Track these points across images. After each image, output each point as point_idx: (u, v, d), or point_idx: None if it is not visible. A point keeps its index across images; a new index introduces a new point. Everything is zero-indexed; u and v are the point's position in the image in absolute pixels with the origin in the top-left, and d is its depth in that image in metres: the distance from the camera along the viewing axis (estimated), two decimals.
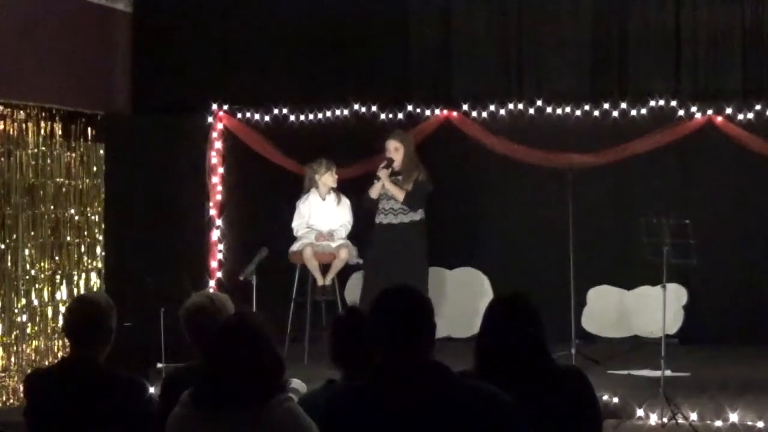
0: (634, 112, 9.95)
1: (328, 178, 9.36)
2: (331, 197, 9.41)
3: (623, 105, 9.98)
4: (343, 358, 4.16)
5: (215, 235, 10.33)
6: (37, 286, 9.89)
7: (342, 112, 10.23)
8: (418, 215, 9.16)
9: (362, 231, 9.42)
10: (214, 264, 10.31)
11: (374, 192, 9.16)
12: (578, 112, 10.03)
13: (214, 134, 10.32)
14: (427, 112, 10.11)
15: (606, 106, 10.00)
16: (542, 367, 3.89)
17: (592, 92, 10.29)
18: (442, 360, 3.50)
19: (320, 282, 9.25)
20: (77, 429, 4.40)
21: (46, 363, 9.39)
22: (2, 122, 9.46)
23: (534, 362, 3.87)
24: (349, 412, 3.48)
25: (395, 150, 9.16)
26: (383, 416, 3.41)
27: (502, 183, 10.39)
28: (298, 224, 9.42)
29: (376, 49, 10.60)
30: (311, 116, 10.27)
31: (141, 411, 4.41)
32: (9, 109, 9.52)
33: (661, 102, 9.89)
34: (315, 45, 10.61)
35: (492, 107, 10.08)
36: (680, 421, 7.48)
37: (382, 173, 9.10)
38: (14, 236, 9.58)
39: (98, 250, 10.59)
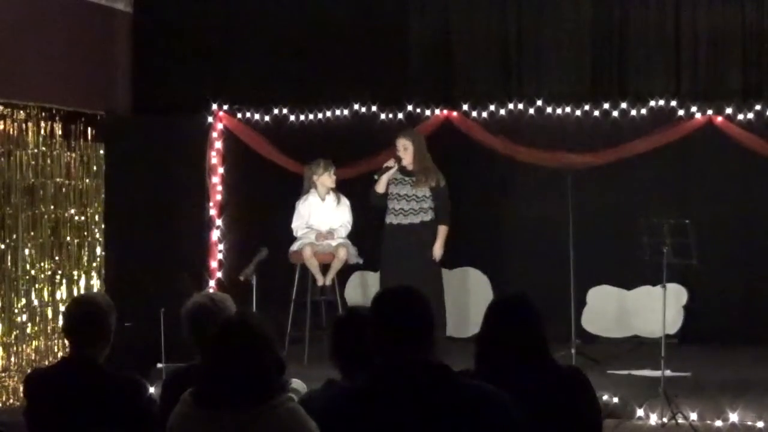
0: (634, 112, 9.95)
1: (326, 179, 9.35)
2: (331, 197, 9.40)
3: (623, 105, 9.98)
4: (343, 358, 4.16)
5: (215, 235, 10.34)
6: (37, 286, 9.89)
7: (342, 112, 10.23)
8: (429, 215, 9.15)
9: (369, 232, 9.40)
10: (214, 264, 10.31)
11: (380, 186, 9.17)
12: (578, 112, 10.02)
13: (214, 134, 10.32)
14: (427, 112, 10.11)
15: (606, 106, 10.00)
16: (542, 367, 3.89)
17: (592, 92, 10.29)
18: (442, 360, 3.50)
19: (320, 282, 9.25)
20: (77, 429, 4.40)
21: (46, 363, 9.39)
22: (2, 122, 9.46)
23: (534, 362, 3.87)
24: (349, 412, 3.48)
25: (404, 149, 9.14)
26: (383, 416, 3.41)
27: (502, 183, 10.38)
28: (297, 225, 9.41)
29: (376, 49, 10.60)
30: (311, 116, 10.27)
31: (141, 411, 4.41)
32: (9, 109, 9.52)
33: (661, 102, 9.89)
34: (315, 45, 10.62)
35: (492, 107, 10.08)
36: (680, 421, 7.48)
37: (384, 177, 9.11)
38: (14, 236, 9.57)
39: (98, 250, 10.59)
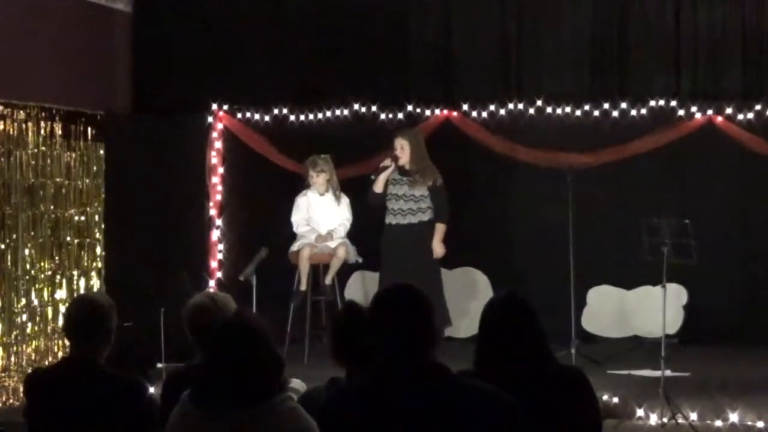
0: (634, 112, 9.94)
1: (315, 179, 9.34)
2: (330, 193, 9.40)
3: (623, 105, 9.98)
4: (343, 355, 4.16)
5: (215, 235, 10.33)
6: (37, 286, 9.89)
7: (342, 112, 10.23)
8: (427, 215, 9.19)
9: (369, 231, 9.40)
10: (214, 264, 10.31)
11: (378, 186, 9.20)
12: (578, 112, 10.02)
13: (214, 134, 10.32)
14: (427, 112, 10.10)
15: (606, 106, 10.00)
16: (542, 367, 3.89)
17: (592, 92, 10.29)
18: (442, 360, 3.50)
19: (303, 286, 9.21)
20: (77, 429, 4.40)
21: (46, 363, 9.39)
22: (2, 122, 9.47)
23: (534, 362, 3.87)
24: (350, 411, 3.48)
25: (401, 148, 9.18)
26: (383, 416, 3.41)
27: (503, 183, 10.39)
28: (296, 219, 9.41)
29: (376, 49, 10.60)
30: (311, 116, 10.27)
31: (141, 411, 4.41)
32: (9, 109, 9.52)
33: (661, 102, 9.89)
34: (315, 45, 10.62)
35: (492, 107, 10.08)
36: (680, 421, 7.48)
37: (381, 176, 9.14)
38: (14, 236, 9.57)
39: (98, 250, 10.59)
